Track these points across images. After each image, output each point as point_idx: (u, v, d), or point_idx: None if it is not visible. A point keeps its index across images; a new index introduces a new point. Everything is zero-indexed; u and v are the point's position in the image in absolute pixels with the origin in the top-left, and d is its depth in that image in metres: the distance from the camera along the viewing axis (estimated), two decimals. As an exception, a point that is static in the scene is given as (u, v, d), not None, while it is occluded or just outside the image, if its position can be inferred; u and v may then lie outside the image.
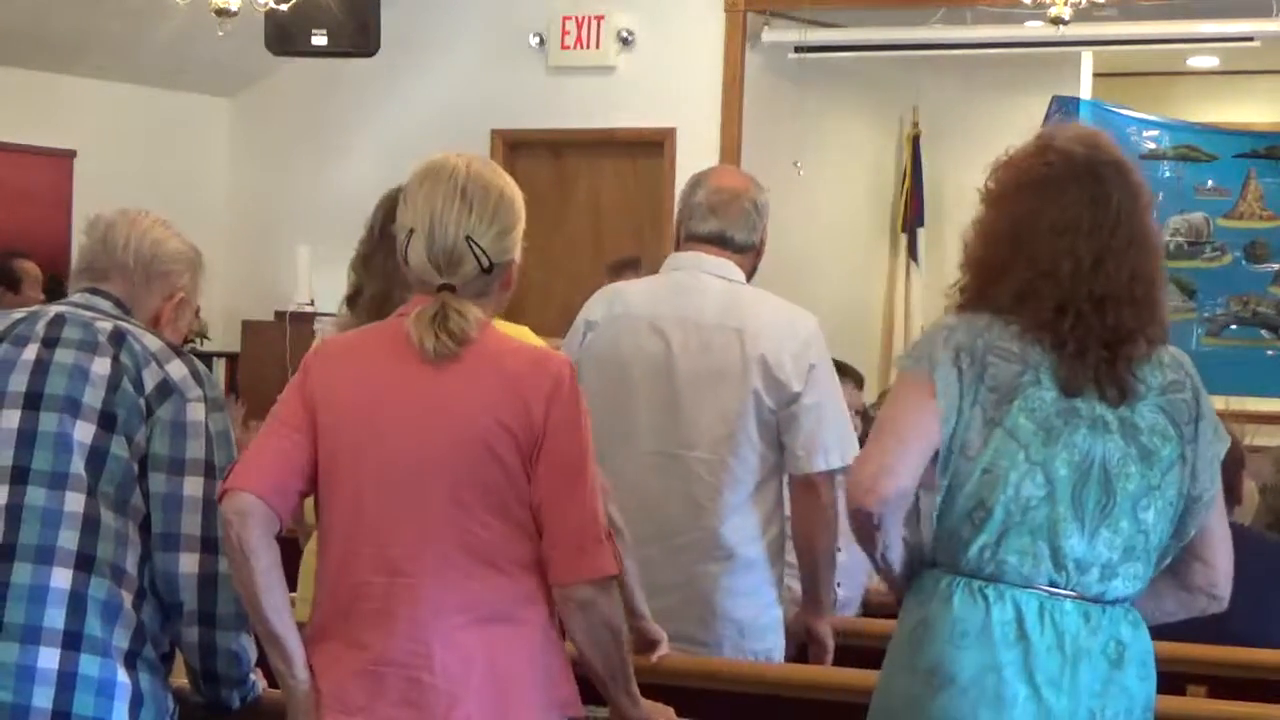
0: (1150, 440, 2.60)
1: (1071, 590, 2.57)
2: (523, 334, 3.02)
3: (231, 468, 2.58)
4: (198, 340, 8.70)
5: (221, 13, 7.06)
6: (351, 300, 3.20)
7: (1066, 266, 2.59)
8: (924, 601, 2.62)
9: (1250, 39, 8.42)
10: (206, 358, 8.38)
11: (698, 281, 3.58)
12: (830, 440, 3.49)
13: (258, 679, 2.84)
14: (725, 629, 3.51)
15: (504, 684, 2.50)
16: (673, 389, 3.53)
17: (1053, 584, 2.56)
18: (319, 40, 8.00)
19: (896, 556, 2.66)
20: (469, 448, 2.50)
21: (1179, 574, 2.71)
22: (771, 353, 3.49)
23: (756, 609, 3.54)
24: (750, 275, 3.69)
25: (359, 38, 8.07)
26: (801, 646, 3.63)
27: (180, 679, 2.80)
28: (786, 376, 3.49)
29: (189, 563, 2.67)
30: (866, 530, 2.61)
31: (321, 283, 8.82)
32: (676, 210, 3.72)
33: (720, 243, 3.60)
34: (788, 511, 3.62)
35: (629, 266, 6.63)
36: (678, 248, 3.67)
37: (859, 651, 3.53)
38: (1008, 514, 2.55)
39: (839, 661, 3.60)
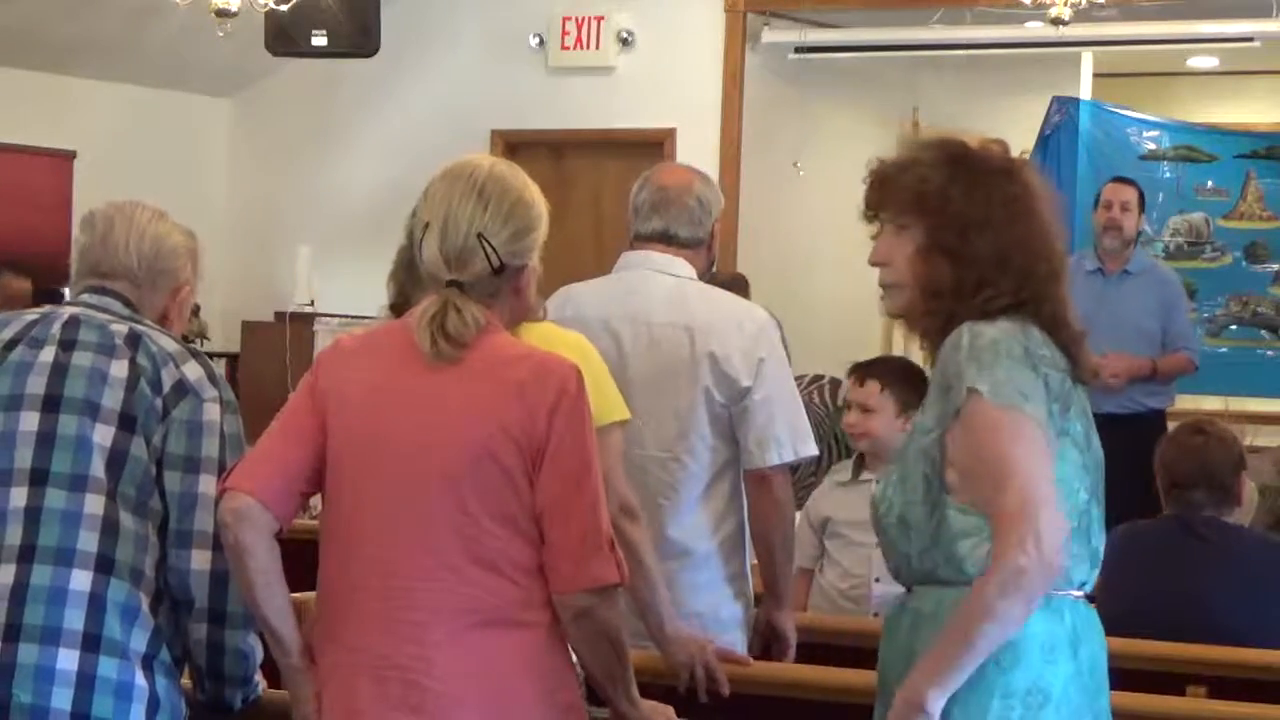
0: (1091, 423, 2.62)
1: (1087, 591, 2.56)
2: (546, 332, 3.01)
3: (234, 465, 2.58)
4: (198, 341, 8.69)
5: (221, 13, 7.05)
6: (397, 309, 2.99)
7: (1059, 248, 2.60)
8: None
9: (1250, 39, 8.42)
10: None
11: (646, 280, 3.61)
12: (782, 434, 3.52)
13: (260, 679, 2.84)
14: (689, 624, 3.51)
15: (506, 688, 2.49)
16: (625, 388, 3.54)
17: (1082, 584, 2.55)
18: (319, 40, 8.00)
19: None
20: (470, 452, 2.48)
21: None
22: (720, 349, 3.52)
23: (715, 602, 3.56)
24: (707, 270, 3.72)
25: (359, 38, 8.07)
26: (767, 642, 3.65)
27: (182, 678, 2.80)
28: (736, 372, 3.52)
29: (201, 559, 2.68)
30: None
31: (322, 283, 8.81)
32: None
33: (665, 240, 3.64)
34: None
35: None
36: (630, 248, 3.70)
37: (856, 652, 3.51)
38: (1071, 518, 2.48)
39: (846, 663, 3.57)
